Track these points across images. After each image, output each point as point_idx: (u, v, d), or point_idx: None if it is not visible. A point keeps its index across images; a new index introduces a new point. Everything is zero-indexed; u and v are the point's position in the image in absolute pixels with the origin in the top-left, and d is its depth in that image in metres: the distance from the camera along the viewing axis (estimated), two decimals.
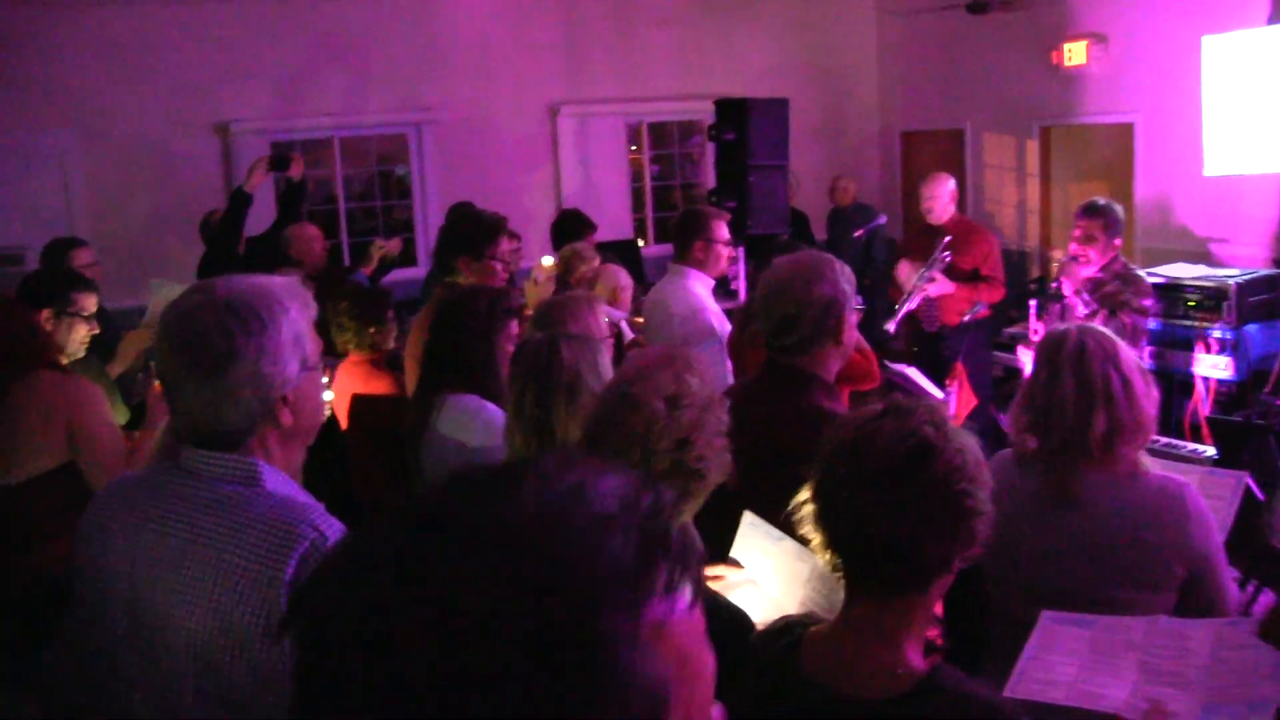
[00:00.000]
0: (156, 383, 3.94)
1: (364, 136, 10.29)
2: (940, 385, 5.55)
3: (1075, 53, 9.12)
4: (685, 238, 5.05)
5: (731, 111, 8.05)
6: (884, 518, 1.67)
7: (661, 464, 2.05)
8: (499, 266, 4.56)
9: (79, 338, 4.04)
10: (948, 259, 6.56)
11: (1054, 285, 5.90)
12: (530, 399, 2.68)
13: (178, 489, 1.79)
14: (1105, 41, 9.02)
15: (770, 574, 2.42)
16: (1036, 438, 2.63)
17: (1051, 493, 2.55)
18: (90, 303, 4.08)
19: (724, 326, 4.98)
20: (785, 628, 1.92)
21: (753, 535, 2.50)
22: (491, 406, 3.30)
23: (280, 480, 1.81)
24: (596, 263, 5.97)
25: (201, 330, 1.72)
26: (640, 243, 10.60)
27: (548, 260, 6.63)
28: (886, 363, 5.39)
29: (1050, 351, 2.66)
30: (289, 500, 1.77)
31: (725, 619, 2.08)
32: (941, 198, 6.80)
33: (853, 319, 2.95)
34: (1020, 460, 2.67)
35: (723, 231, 5.05)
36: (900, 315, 6.61)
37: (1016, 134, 10.20)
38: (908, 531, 1.66)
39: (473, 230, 4.64)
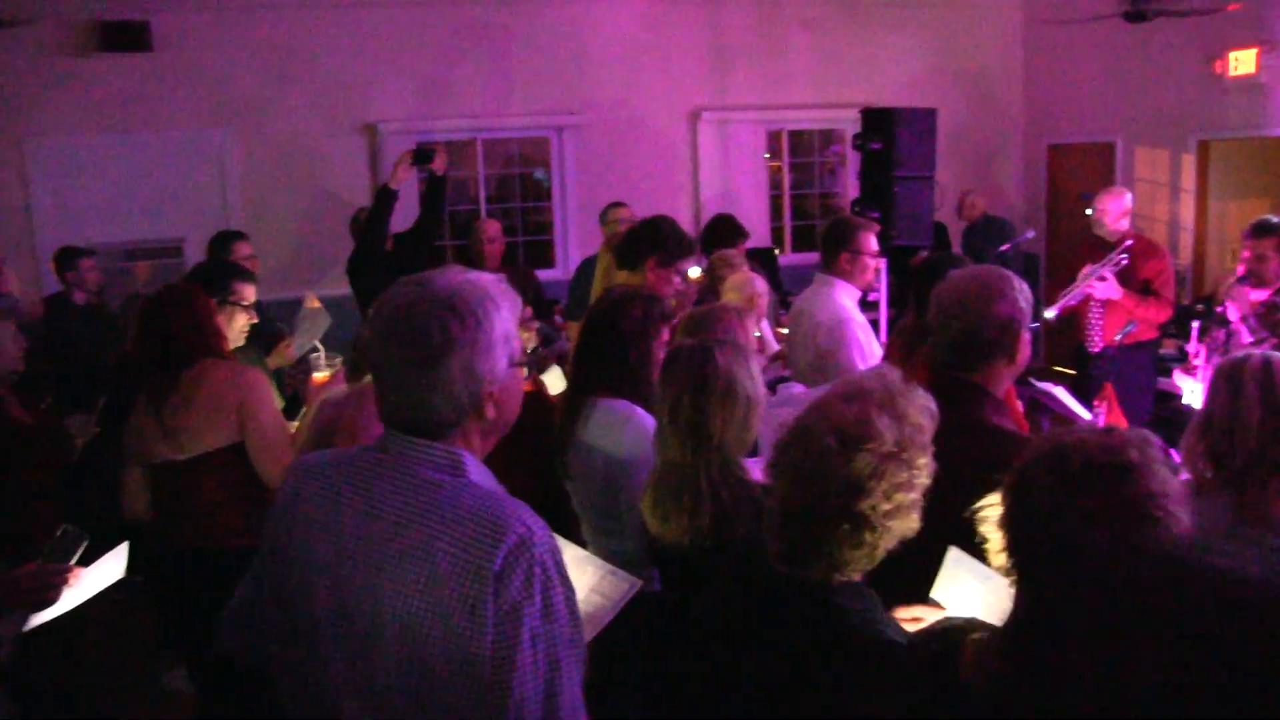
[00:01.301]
0: (315, 375, 4.04)
1: (506, 138, 10.42)
2: (1089, 406, 5.35)
3: (1243, 61, 8.73)
4: (832, 248, 4.99)
5: (878, 120, 7.93)
6: (1078, 524, 1.63)
7: (827, 507, 1.92)
8: (678, 280, 4.67)
9: (239, 326, 4.19)
10: (1124, 262, 6.36)
11: (1219, 309, 5.66)
12: (687, 404, 2.67)
13: (384, 473, 1.82)
14: (1277, 49, 8.62)
15: (977, 614, 2.33)
16: (1213, 464, 2.54)
17: (1250, 516, 2.44)
18: (250, 293, 4.22)
19: (869, 339, 4.89)
20: (943, 631, 1.86)
21: (957, 573, 2.43)
22: (641, 412, 3.28)
23: (483, 472, 1.84)
24: (745, 270, 5.92)
25: (420, 323, 1.76)
26: (777, 251, 10.50)
27: (695, 271, 6.60)
28: (1032, 380, 5.22)
29: (1231, 374, 2.61)
30: (495, 494, 1.80)
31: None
32: (1113, 211, 6.58)
33: (1027, 337, 2.86)
34: (1200, 488, 2.56)
35: (870, 243, 4.97)
36: (1061, 304, 6.43)
37: (1171, 147, 9.82)
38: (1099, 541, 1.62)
39: (675, 236, 4.75)
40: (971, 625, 1.84)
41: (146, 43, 8.96)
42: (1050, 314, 6.49)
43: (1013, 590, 2.04)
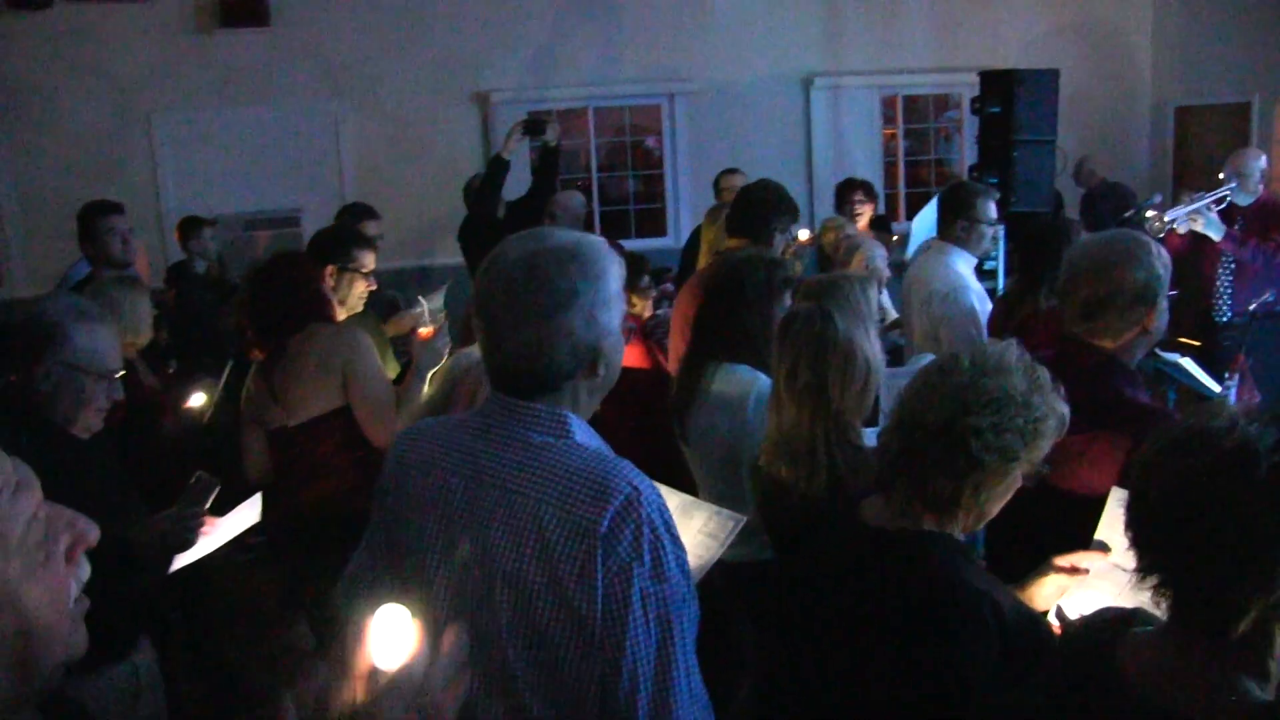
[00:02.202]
0: (421, 329, 4.06)
1: (618, 107, 10.39)
2: (1219, 379, 5.14)
3: None
4: (949, 214, 4.88)
5: (998, 83, 7.69)
6: (1227, 531, 1.44)
7: (936, 415, 1.99)
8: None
9: (358, 292, 4.24)
10: (1226, 196, 6.06)
11: None
12: (805, 368, 2.64)
13: (489, 437, 1.82)
14: None
15: None
16: None
17: None
18: (369, 260, 4.27)
19: (985, 307, 4.77)
20: (1104, 623, 1.77)
21: (1121, 512, 2.33)
22: (764, 377, 3.25)
23: (588, 433, 1.83)
24: (852, 232, 5.83)
25: (545, 271, 1.75)
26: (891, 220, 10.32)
27: (804, 233, 6.53)
28: (1158, 351, 5.03)
29: None
30: (601, 453, 1.79)
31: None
32: (1249, 174, 6.28)
33: (1164, 305, 2.74)
34: None
35: (989, 210, 4.85)
36: (1170, 216, 6.16)
37: None
38: (1251, 552, 1.44)
39: (788, 202, 4.68)
40: (1137, 617, 1.72)
41: (264, 17, 9.16)
42: (1152, 219, 6.19)
43: None
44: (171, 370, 5.08)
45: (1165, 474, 1.52)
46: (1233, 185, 6.10)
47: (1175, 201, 10.11)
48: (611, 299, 1.81)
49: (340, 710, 1.25)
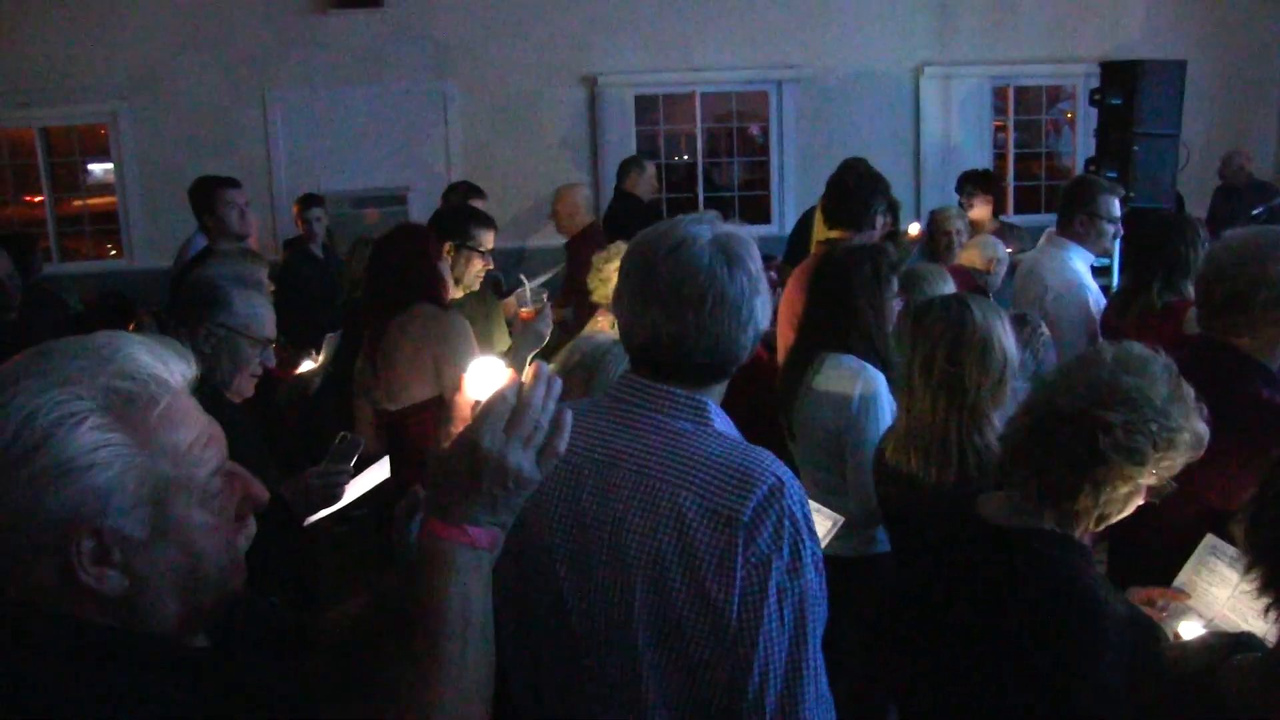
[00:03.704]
0: (523, 310, 4.04)
1: (725, 93, 10.32)
2: None
3: None
4: (1069, 208, 4.77)
5: (1119, 74, 7.48)
6: None
7: (1067, 404, 1.96)
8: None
9: (475, 271, 4.26)
10: None
11: None
12: (941, 358, 2.58)
13: (624, 421, 1.79)
14: None
15: (1225, 607, 2.19)
16: None
17: None
18: (488, 239, 4.29)
19: (1100, 306, 4.64)
20: (1210, 648, 1.70)
21: (1211, 561, 2.28)
22: (871, 368, 3.22)
23: (726, 420, 1.80)
24: (960, 224, 5.72)
25: (737, 254, 1.74)
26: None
27: (914, 227, 6.43)
28: None
29: None
30: (742, 442, 1.75)
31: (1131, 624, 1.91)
32: None
33: None
34: None
35: (1111, 207, 4.72)
36: None
37: None
38: None
39: (881, 181, 4.58)
40: (1241, 642, 1.65)
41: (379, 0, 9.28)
42: None
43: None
44: (282, 346, 5.16)
45: None
46: None
47: None
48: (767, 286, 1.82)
49: (447, 442, 1.37)
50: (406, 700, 1.26)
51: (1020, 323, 3.41)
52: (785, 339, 4.09)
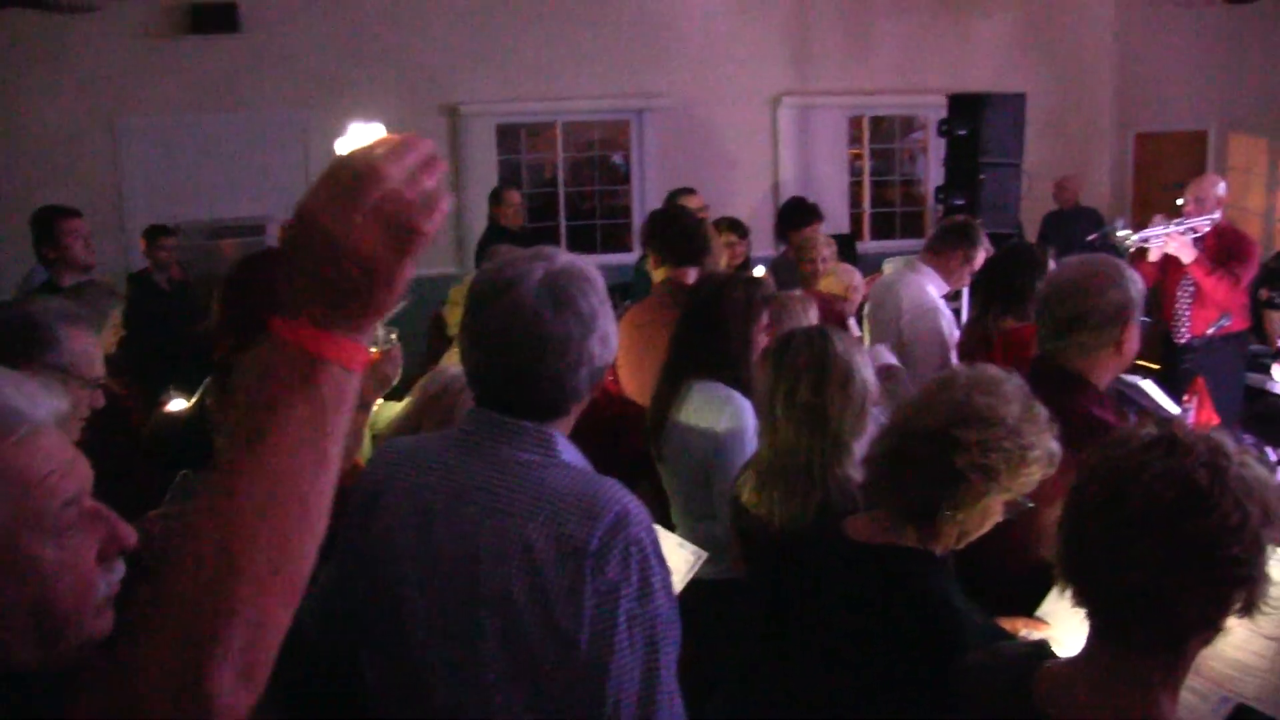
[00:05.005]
0: (371, 349, 3.96)
1: (585, 122, 10.40)
2: (1178, 401, 5.20)
3: None
4: (950, 243, 4.95)
5: (965, 106, 7.79)
6: (1136, 569, 1.46)
7: (927, 421, 2.03)
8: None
9: None
10: (1205, 227, 6.14)
11: None
12: (805, 388, 2.63)
13: (473, 455, 1.78)
14: None
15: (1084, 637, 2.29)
16: None
17: None
18: None
19: (953, 332, 4.82)
20: (1012, 659, 1.76)
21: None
22: (739, 395, 3.27)
23: (573, 452, 1.80)
24: (827, 252, 5.84)
25: (567, 293, 1.73)
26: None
27: (759, 269, 6.52)
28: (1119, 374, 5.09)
29: None
30: (589, 473, 1.77)
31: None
32: (1208, 200, 6.37)
33: (1136, 329, 2.78)
34: None
35: (981, 260, 4.90)
36: (1140, 236, 6.21)
37: (1270, 136, 9.52)
38: (1163, 588, 1.45)
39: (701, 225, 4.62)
40: (1043, 649, 1.72)
41: (234, 24, 9.10)
42: (1124, 236, 6.26)
43: None
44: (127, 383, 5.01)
45: (1099, 490, 1.53)
46: (1215, 216, 6.18)
47: (1140, 227, 10.28)
48: (613, 316, 1.82)
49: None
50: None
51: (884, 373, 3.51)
52: (624, 373, 4.14)
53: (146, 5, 9.08)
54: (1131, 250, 6.25)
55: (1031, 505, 2.07)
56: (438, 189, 1.07)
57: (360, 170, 1.03)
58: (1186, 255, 6.11)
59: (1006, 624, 2.30)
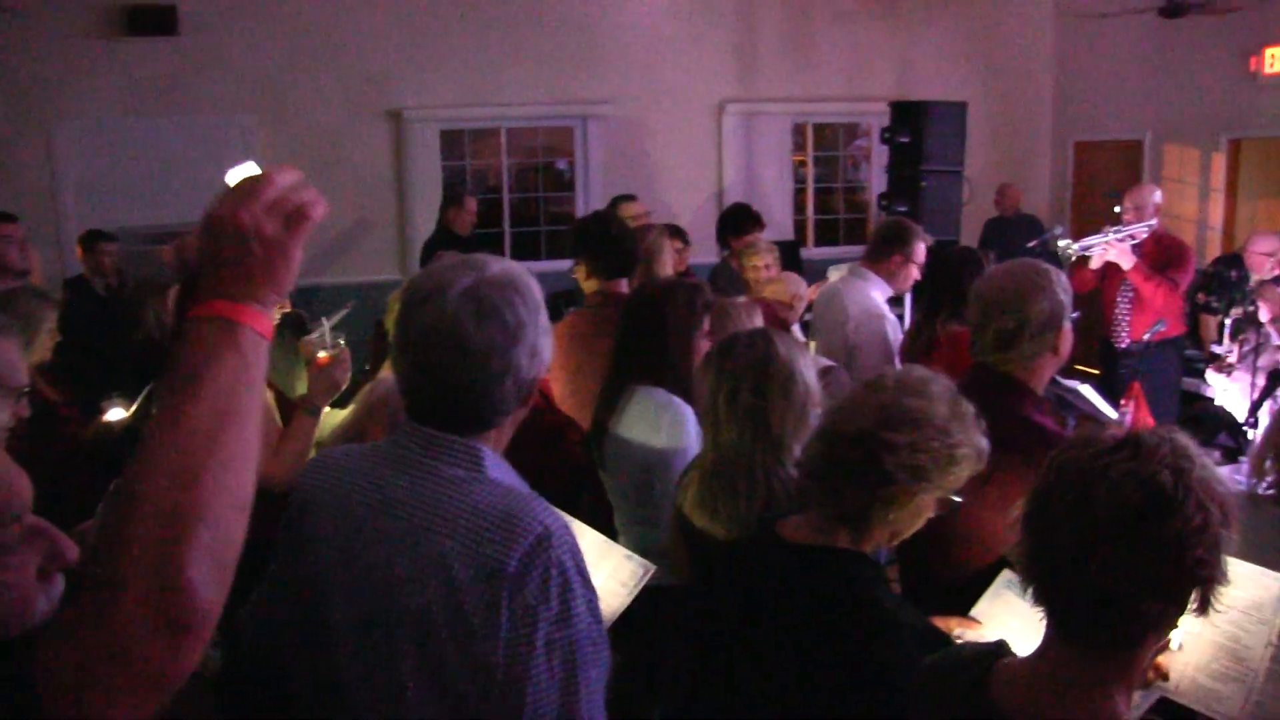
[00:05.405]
0: (320, 355, 3.91)
1: (530, 128, 10.38)
2: (1116, 405, 5.29)
3: (1278, 59, 8.64)
4: (885, 247, 4.96)
5: (908, 114, 7.88)
6: (1101, 571, 1.47)
7: (855, 424, 2.04)
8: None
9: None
10: (1140, 235, 6.27)
11: (1249, 308, 5.60)
12: (747, 391, 2.64)
13: (400, 470, 1.76)
14: None
15: (1016, 637, 2.32)
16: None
17: None
18: None
19: (897, 337, 4.86)
20: (968, 659, 1.78)
21: (1005, 594, 2.41)
22: (680, 401, 3.27)
23: (502, 469, 1.77)
24: (770, 259, 5.86)
25: (491, 303, 1.70)
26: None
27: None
28: (1058, 378, 5.16)
29: None
30: (514, 490, 1.73)
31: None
32: (1146, 208, 6.51)
33: (1069, 328, 2.83)
34: (1255, 499, 2.50)
35: (922, 253, 4.94)
36: (1080, 246, 6.33)
37: (1202, 146, 9.74)
38: (1126, 589, 1.48)
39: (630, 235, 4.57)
40: (1000, 649, 1.73)
41: (173, 26, 8.96)
42: (1066, 247, 6.37)
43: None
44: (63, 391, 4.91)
45: (1065, 492, 1.54)
46: (1152, 223, 6.31)
47: (1079, 233, 10.46)
48: (548, 329, 1.77)
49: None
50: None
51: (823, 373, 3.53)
52: (559, 383, 4.13)
53: (81, 6, 8.90)
54: (1074, 259, 6.36)
55: (960, 500, 2.09)
56: (315, 195, 1.32)
57: (255, 178, 1.29)
58: (1126, 262, 6.23)
59: (940, 623, 2.33)
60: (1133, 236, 6.29)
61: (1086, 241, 6.33)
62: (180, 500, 1.12)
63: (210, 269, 1.24)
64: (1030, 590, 1.59)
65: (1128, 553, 1.46)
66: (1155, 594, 1.48)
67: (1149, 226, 6.32)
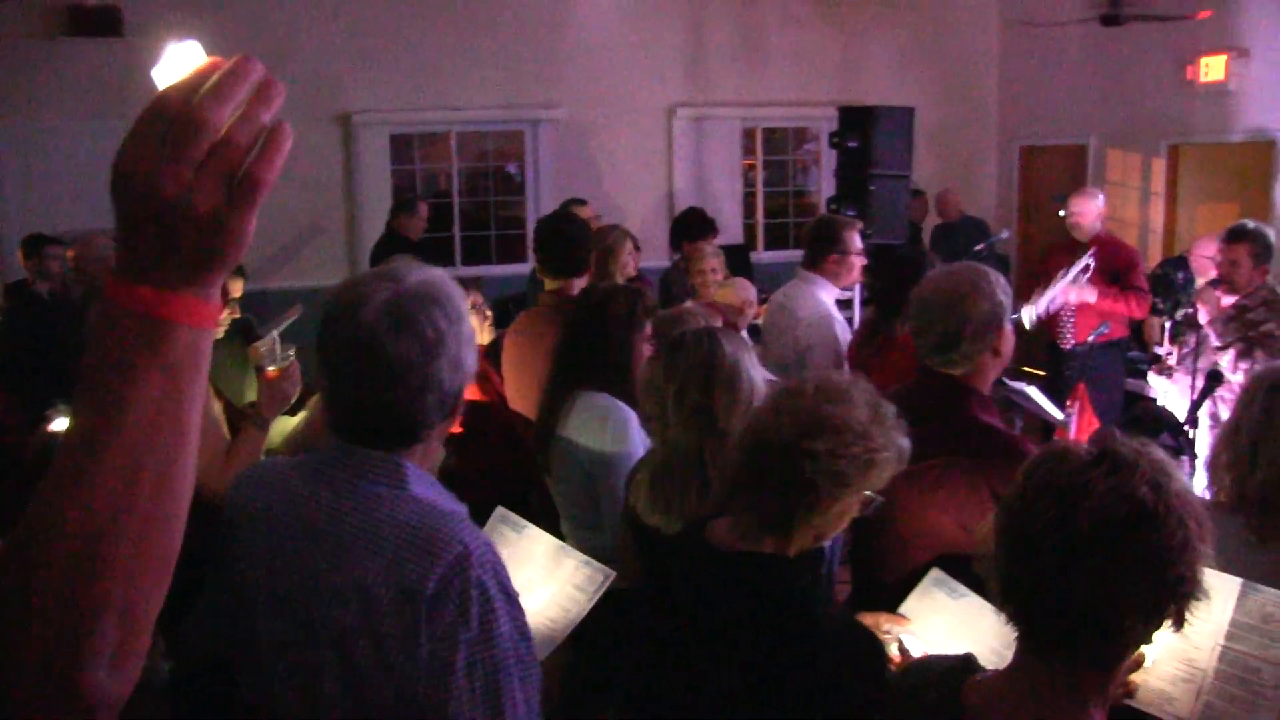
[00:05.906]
0: (269, 369, 3.88)
1: (480, 132, 10.35)
2: (1061, 406, 5.37)
3: (1213, 68, 8.83)
4: (820, 248, 4.97)
5: (856, 118, 7.91)
6: (1084, 587, 1.48)
7: (778, 434, 2.04)
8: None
9: (221, 317, 4.09)
10: (1091, 265, 6.40)
11: (1189, 311, 5.70)
12: (693, 389, 2.66)
13: (324, 485, 1.74)
14: (1248, 56, 8.71)
15: (944, 634, 2.35)
16: (1234, 477, 2.52)
17: (1270, 537, 2.43)
18: (237, 286, 4.14)
19: (846, 336, 4.91)
20: (940, 673, 1.80)
21: (933, 592, 2.44)
22: (623, 405, 3.28)
23: (426, 484, 1.74)
24: (716, 263, 5.90)
25: (409, 317, 1.67)
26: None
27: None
28: (1005, 380, 5.24)
29: (1268, 386, 2.57)
30: (435, 508, 1.70)
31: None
32: (1089, 214, 6.64)
33: (1009, 329, 2.87)
34: (1218, 504, 2.54)
35: (856, 242, 4.98)
36: (1041, 310, 6.42)
37: (1143, 151, 9.91)
38: (1107, 605, 1.48)
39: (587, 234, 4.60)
40: (970, 663, 1.73)
41: (117, 28, 8.84)
42: (1030, 318, 6.47)
43: (985, 615, 2.10)
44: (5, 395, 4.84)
45: (1045, 508, 1.53)
46: (1089, 262, 6.43)
47: (1021, 233, 10.61)
48: (471, 338, 1.75)
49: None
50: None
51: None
52: (508, 383, 4.14)
53: (20, 5, 8.77)
54: (1042, 317, 6.46)
55: (883, 500, 2.11)
56: (277, 125, 0.93)
57: (181, 119, 0.89)
58: (1091, 296, 6.40)
59: (869, 619, 2.36)
60: (1084, 271, 6.41)
61: (1046, 298, 6.44)
62: (80, 593, 0.89)
63: (130, 242, 0.90)
64: (1006, 606, 1.58)
65: (1111, 569, 1.47)
66: (1135, 610, 1.49)
67: (1089, 257, 6.45)
